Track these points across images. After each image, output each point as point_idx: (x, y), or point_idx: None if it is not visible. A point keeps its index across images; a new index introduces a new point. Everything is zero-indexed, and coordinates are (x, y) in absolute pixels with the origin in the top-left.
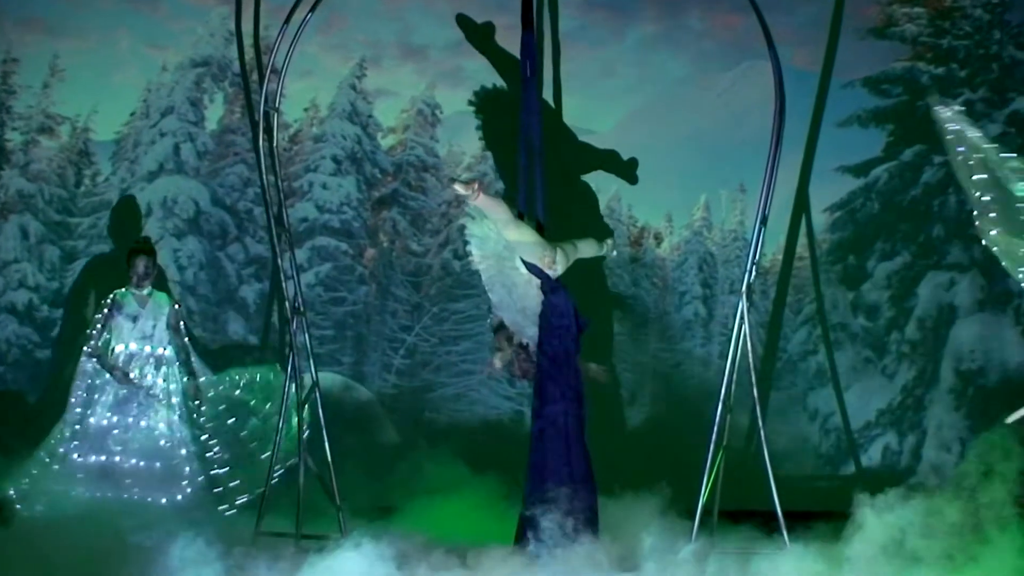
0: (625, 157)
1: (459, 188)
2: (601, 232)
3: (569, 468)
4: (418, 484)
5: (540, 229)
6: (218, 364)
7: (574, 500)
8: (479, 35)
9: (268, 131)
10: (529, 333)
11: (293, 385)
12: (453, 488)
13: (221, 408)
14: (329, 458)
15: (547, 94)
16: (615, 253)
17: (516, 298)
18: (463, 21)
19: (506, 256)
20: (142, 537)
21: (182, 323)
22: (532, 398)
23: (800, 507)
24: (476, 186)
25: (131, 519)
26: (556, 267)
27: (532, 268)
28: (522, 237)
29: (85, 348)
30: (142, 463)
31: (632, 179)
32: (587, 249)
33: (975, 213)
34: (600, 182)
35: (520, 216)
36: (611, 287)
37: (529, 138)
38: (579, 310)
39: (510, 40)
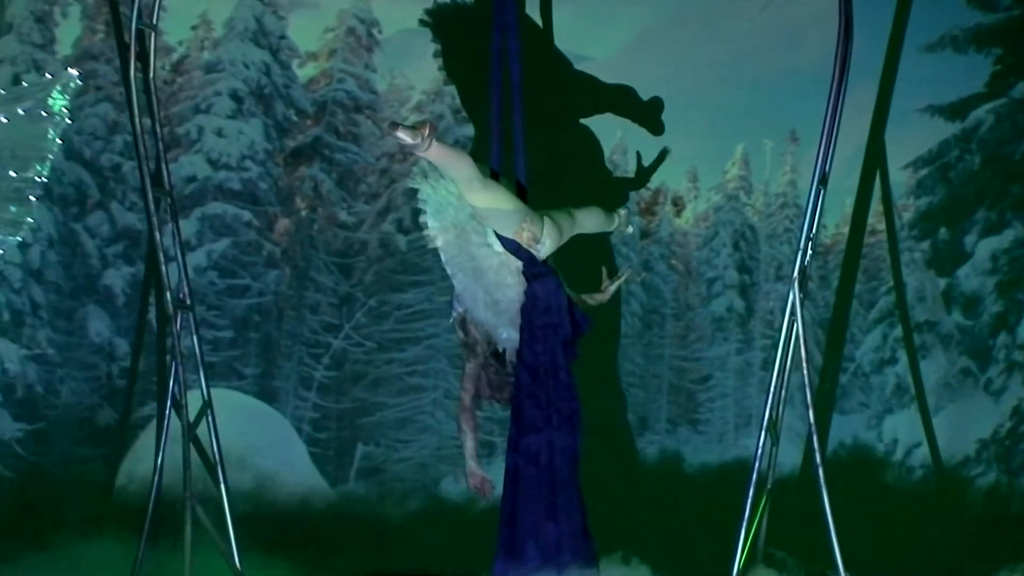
0: (641, 94)
1: (403, 135)
2: (608, 199)
3: (555, 524)
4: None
5: (521, 194)
6: (74, 376)
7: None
8: None
9: (142, 57)
10: (504, 336)
11: (176, 406)
12: None
13: None
14: (227, 508)
15: (531, 8)
16: (631, 229)
17: (486, 287)
18: None
19: (472, 230)
20: None
21: None
22: (508, 424)
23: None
24: (427, 131)
25: None
26: (542, 244)
27: (509, 245)
28: (494, 203)
29: None
30: None
31: (656, 127)
32: (590, 222)
33: None
34: (601, 127)
35: (493, 176)
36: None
37: (506, 69)
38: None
39: None
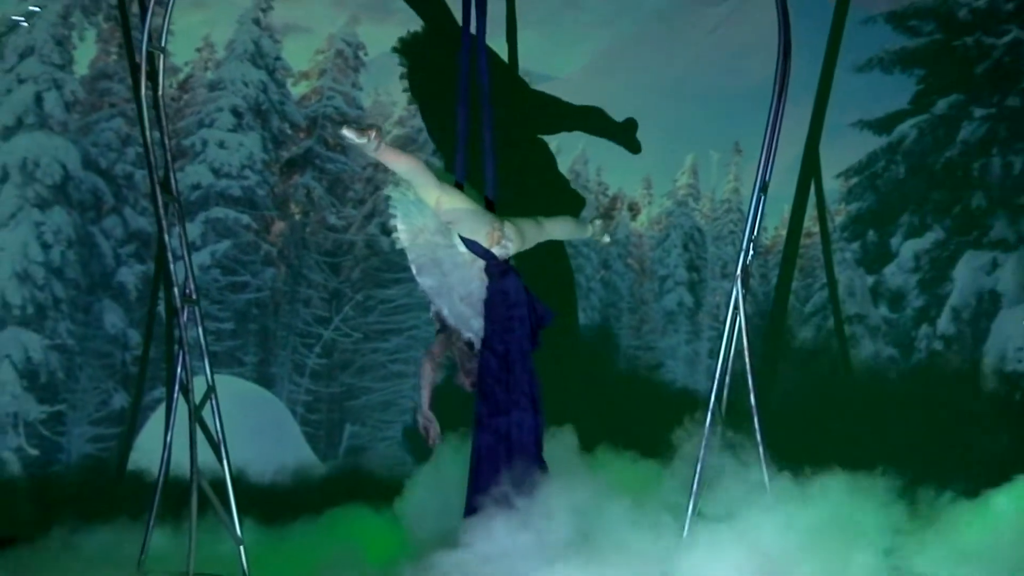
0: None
1: (350, 134)
2: (568, 206)
3: (513, 484)
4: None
5: (489, 207)
6: (91, 364)
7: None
8: None
9: (152, 76)
10: (476, 327)
11: (183, 391)
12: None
13: None
14: (229, 483)
15: (499, 35)
16: (607, 239)
17: (456, 283)
18: None
19: (437, 231)
20: None
21: None
22: (476, 405)
23: None
24: (373, 133)
25: None
26: (507, 245)
27: (471, 247)
28: (453, 205)
29: None
30: None
31: (634, 146)
32: (558, 230)
33: None
34: (564, 140)
35: (458, 187)
36: (575, 269)
37: (471, 89)
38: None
39: None
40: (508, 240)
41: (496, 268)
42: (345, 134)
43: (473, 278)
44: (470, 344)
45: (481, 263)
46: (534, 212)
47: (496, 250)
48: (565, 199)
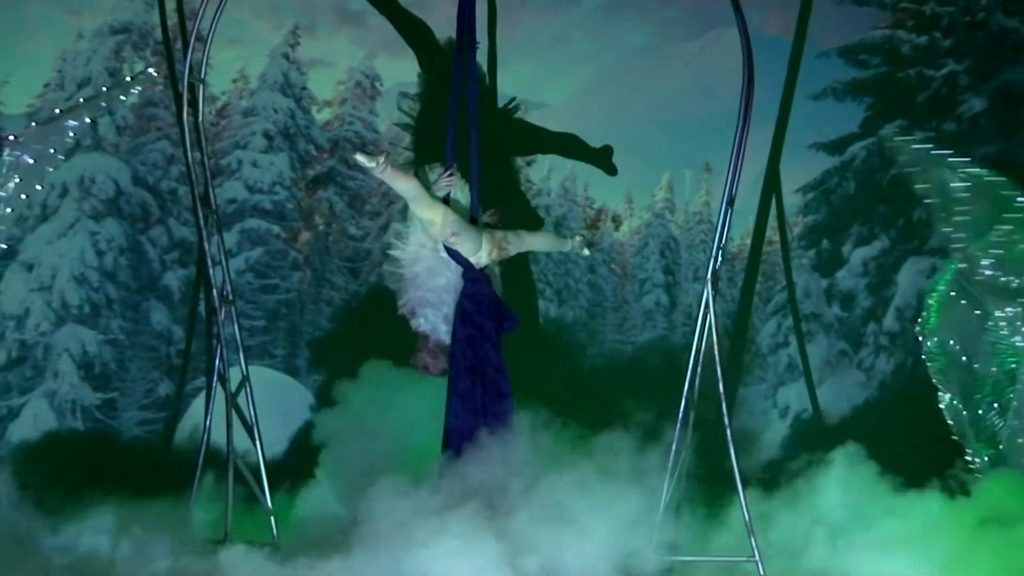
0: (581, 132)
1: (362, 158)
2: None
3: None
4: None
5: (473, 224)
6: (140, 356)
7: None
8: None
9: (193, 104)
10: (431, 319)
11: (220, 380)
12: None
13: None
14: (261, 461)
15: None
16: (587, 252)
17: (429, 275)
18: None
19: (424, 245)
20: None
21: None
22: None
23: None
24: (382, 158)
25: None
26: (478, 258)
27: (453, 255)
28: (432, 216)
29: None
30: None
31: (610, 169)
32: (539, 243)
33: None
34: (554, 160)
35: (445, 202)
36: (564, 273)
37: (461, 117)
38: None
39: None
40: (496, 250)
41: (469, 274)
42: (358, 158)
43: (452, 289)
44: (425, 335)
45: (452, 264)
46: (511, 226)
47: (481, 260)
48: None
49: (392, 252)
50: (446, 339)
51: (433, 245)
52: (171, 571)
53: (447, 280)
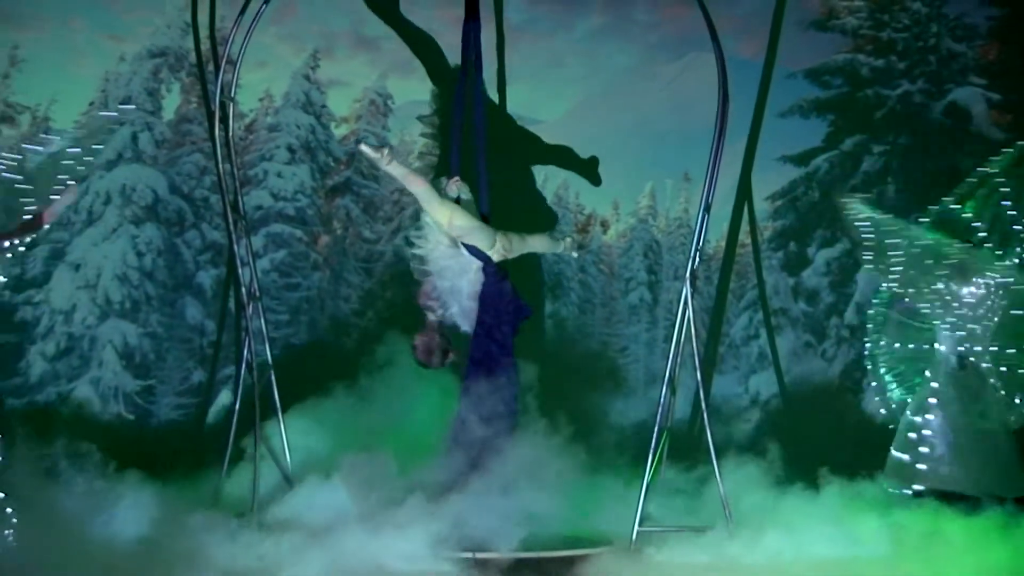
0: (573, 145)
1: (366, 150)
2: (544, 222)
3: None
4: None
5: (485, 221)
6: (176, 347)
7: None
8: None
9: (224, 120)
10: (453, 310)
11: (248, 368)
12: None
13: None
14: (284, 437)
15: (490, 84)
16: (575, 254)
17: (465, 285)
18: None
19: (448, 244)
20: None
21: None
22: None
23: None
24: (386, 151)
25: None
26: (500, 251)
27: (472, 250)
28: (440, 216)
29: None
30: None
31: (595, 179)
32: (539, 245)
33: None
34: (550, 170)
35: (456, 202)
36: (558, 273)
37: (467, 130)
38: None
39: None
40: (504, 248)
41: (490, 268)
42: (363, 149)
43: (475, 282)
44: (437, 327)
45: (479, 266)
46: (518, 228)
47: (494, 255)
48: (541, 216)
49: (415, 251)
50: (466, 327)
51: (449, 242)
52: (200, 544)
53: (462, 274)
